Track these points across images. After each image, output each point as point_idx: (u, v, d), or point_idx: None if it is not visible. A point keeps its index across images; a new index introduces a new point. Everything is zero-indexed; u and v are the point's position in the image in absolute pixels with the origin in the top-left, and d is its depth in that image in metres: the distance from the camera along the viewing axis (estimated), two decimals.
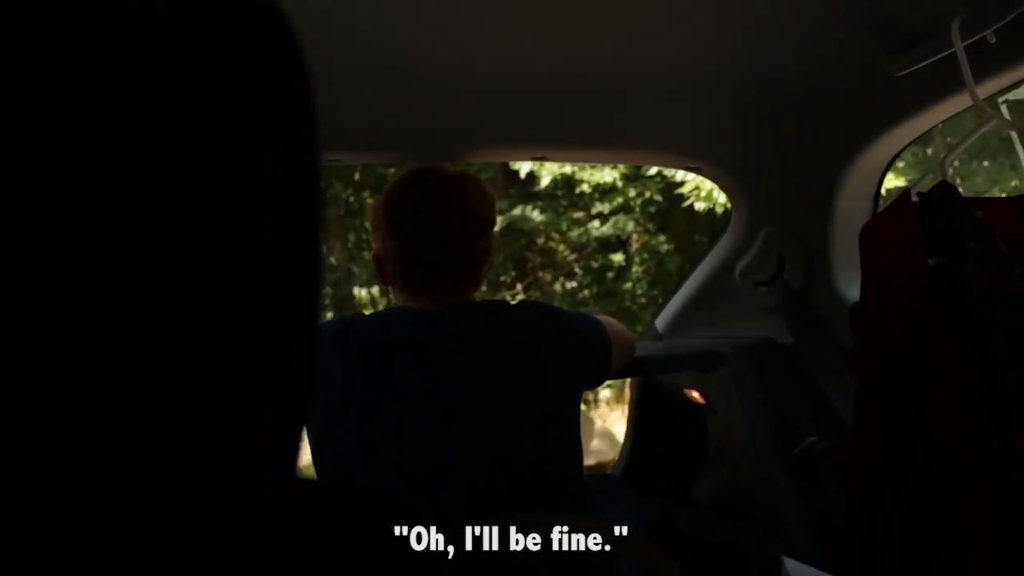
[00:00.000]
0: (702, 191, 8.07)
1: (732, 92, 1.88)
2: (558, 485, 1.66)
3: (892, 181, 7.18)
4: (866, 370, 1.29)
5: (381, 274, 1.83)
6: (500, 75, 1.63)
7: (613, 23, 1.43)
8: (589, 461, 8.44)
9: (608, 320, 1.96)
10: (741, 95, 1.90)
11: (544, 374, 1.68)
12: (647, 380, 2.70)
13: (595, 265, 12.11)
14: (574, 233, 11.18)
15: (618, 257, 12.11)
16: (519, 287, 12.29)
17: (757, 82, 1.83)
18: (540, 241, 12.26)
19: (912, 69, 1.52)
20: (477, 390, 1.63)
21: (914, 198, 1.29)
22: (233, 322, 0.39)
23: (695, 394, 2.54)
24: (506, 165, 10.49)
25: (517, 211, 10.63)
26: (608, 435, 8.69)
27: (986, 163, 8.17)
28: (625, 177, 10.11)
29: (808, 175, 2.07)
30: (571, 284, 12.55)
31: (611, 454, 8.52)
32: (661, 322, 2.67)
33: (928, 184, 1.31)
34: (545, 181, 9.92)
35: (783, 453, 2.15)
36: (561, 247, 12.31)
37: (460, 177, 1.80)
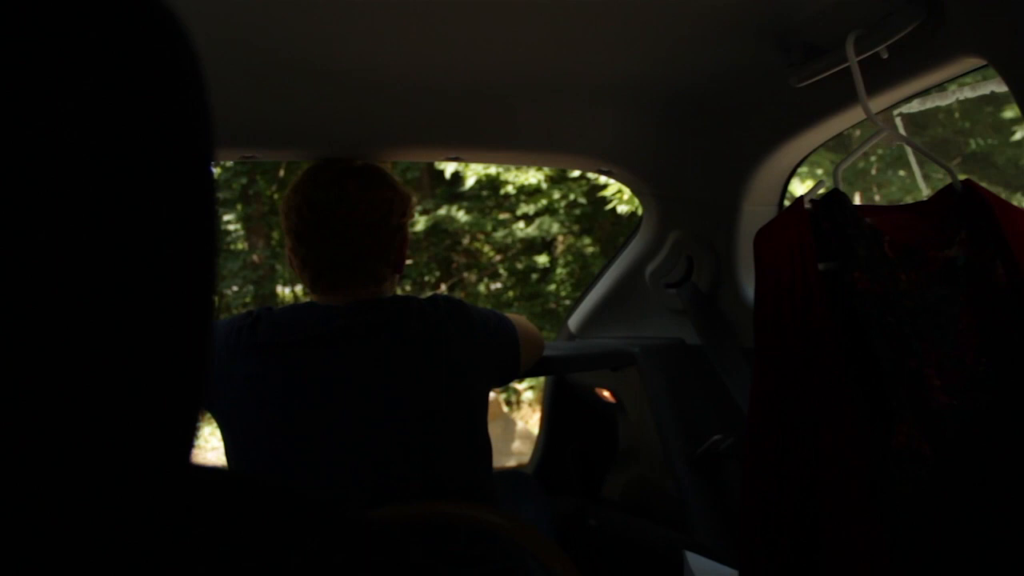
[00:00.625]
0: (624, 194, 8.13)
1: (644, 98, 1.91)
2: (466, 481, 1.67)
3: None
4: (760, 370, 1.34)
5: (295, 270, 1.83)
6: (414, 74, 1.63)
7: (528, 26, 1.44)
8: (511, 462, 8.48)
9: (518, 319, 1.97)
10: (653, 101, 1.93)
11: (451, 370, 1.69)
12: (559, 379, 2.72)
13: (519, 266, 12.12)
14: (499, 234, 11.18)
15: (542, 259, 12.14)
16: (443, 287, 12.27)
17: (668, 89, 1.86)
18: (465, 242, 12.24)
19: (811, 81, 1.56)
20: (383, 386, 1.64)
21: (807, 205, 1.34)
22: (121, 316, 0.39)
23: (606, 393, 2.56)
24: (431, 165, 10.42)
25: (442, 211, 10.55)
26: (530, 436, 8.72)
27: (901, 172, 8.40)
28: (550, 179, 10.11)
29: (715, 181, 2.11)
30: (495, 285, 12.56)
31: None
32: (573, 322, 2.70)
33: (821, 191, 1.36)
34: (470, 182, 9.90)
35: (689, 451, 2.19)
36: (486, 248, 12.30)
37: (364, 172, 1.80)
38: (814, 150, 1.97)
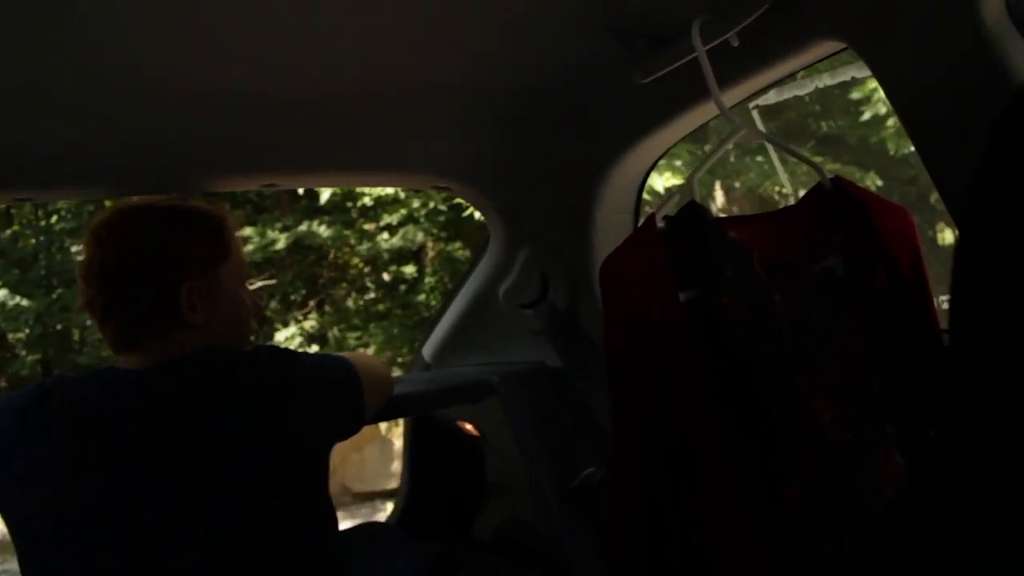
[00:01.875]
0: None
1: (479, 104, 1.76)
2: (308, 553, 1.48)
3: (671, 180, 7.26)
4: (620, 415, 1.15)
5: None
6: (214, 91, 1.46)
7: (340, 27, 1.28)
8: (392, 484, 8.29)
9: (359, 357, 1.77)
10: (489, 107, 1.78)
11: (283, 431, 1.48)
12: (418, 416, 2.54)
13: (387, 278, 12.05)
14: (364, 247, 11.08)
15: (410, 268, 12.14)
16: (311, 304, 12.11)
17: (505, 92, 1.71)
18: (331, 256, 12.08)
19: (657, 76, 1.42)
20: (193, 466, 1.41)
21: (660, 223, 1.15)
22: None
23: (468, 427, 2.40)
24: None
25: (303, 227, 10.42)
26: None
27: (759, 158, 8.45)
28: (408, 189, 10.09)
29: (563, 190, 1.97)
30: (367, 297, 12.45)
31: None
32: (428, 351, 2.54)
33: (675, 205, 1.17)
34: (325, 196, 9.71)
35: (560, 485, 2.04)
36: (354, 260, 12.17)
37: (161, 210, 1.59)
38: (669, 149, 1.84)
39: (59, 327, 12.47)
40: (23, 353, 13.00)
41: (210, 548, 1.39)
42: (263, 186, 1.95)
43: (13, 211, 15.33)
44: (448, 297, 2.50)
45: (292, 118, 1.65)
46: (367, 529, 2.18)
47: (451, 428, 2.46)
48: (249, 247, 9.64)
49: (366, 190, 9.97)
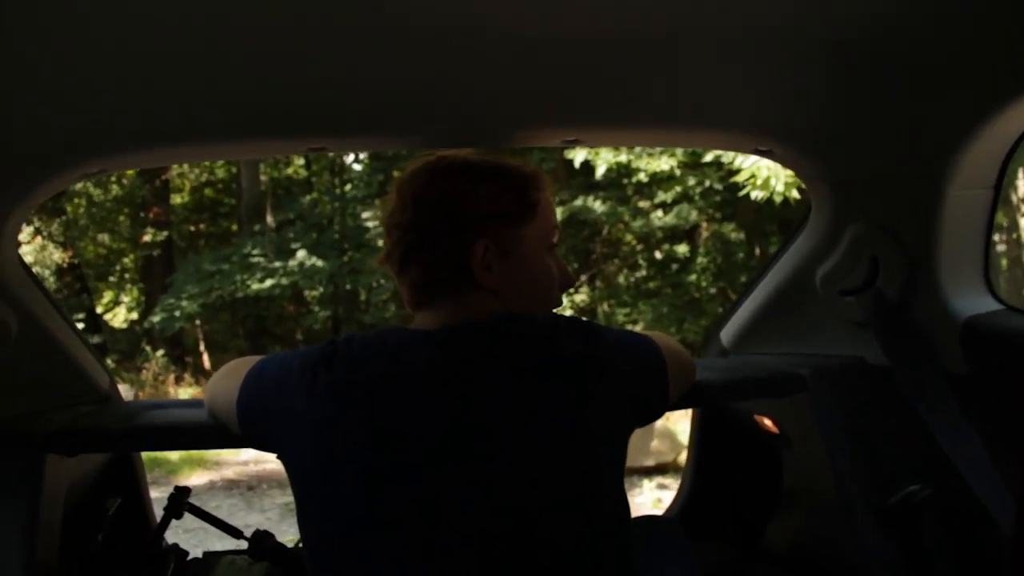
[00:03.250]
0: (758, 179, 7.66)
1: (810, 50, 1.54)
2: (604, 549, 1.38)
3: None
4: None
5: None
6: (513, 35, 1.35)
7: None
8: (649, 461, 8.22)
9: (662, 338, 1.65)
10: (824, 55, 1.56)
11: (584, 408, 1.39)
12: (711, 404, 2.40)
13: (659, 256, 12.06)
14: (637, 223, 11.09)
15: (682, 248, 12.08)
16: (583, 278, 12.33)
17: (845, 38, 1.49)
18: (604, 232, 12.21)
19: None
20: (486, 431, 1.35)
21: None
22: None
23: (767, 422, 2.22)
24: (561, 154, 10.50)
25: (578, 202, 10.56)
26: (669, 435, 8.52)
27: None
28: (683, 165, 9.98)
29: (910, 159, 1.73)
30: (636, 275, 12.53)
31: (671, 455, 8.30)
32: (727, 335, 2.37)
33: None
34: (601, 170, 9.77)
35: (875, 501, 1.84)
36: (627, 237, 12.26)
37: (461, 162, 1.55)
38: None
39: (348, 287, 13.37)
40: (316, 309, 14.02)
41: (487, 519, 1.31)
42: (565, 142, 1.84)
43: (313, 179, 16.46)
44: (755, 276, 2.31)
45: (600, 65, 1.52)
46: (645, 522, 2.08)
47: (747, 422, 2.29)
48: None
49: (641, 165, 9.96)
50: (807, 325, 2.14)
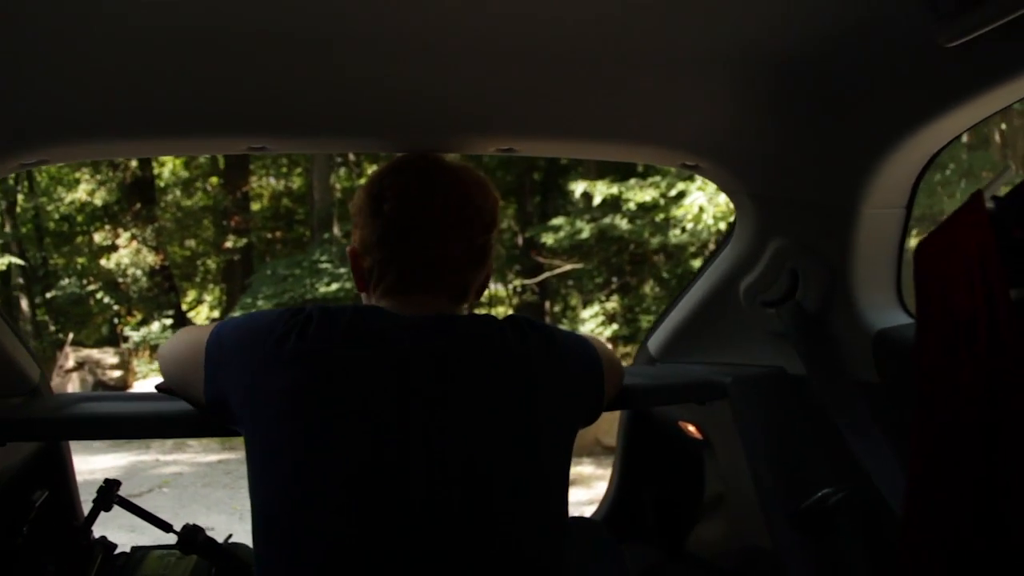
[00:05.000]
0: (689, 213, 8.81)
1: (744, 73, 1.58)
2: (544, 548, 1.42)
3: None
4: (921, 428, 0.97)
5: (356, 274, 1.62)
6: (449, 40, 1.37)
7: None
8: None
9: (596, 340, 1.70)
10: (754, 77, 1.60)
11: (541, 410, 1.44)
12: (638, 410, 2.42)
13: (679, 270, 12.94)
14: (656, 240, 11.95)
15: (698, 263, 12.71)
16: (612, 287, 13.81)
17: (767, 57, 1.52)
18: (631, 247, 13.37)
19: (967, 39, 1.20)
20: (461, 421, 1.38)
21: (988, 204, 0.95)
22: None
23: (691, 428, 2.26)
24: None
25: (607, 220, 11.74)
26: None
27: None
28: (663, 197, 11.06)
29: (829, 176, 1.77)
30: (660, 287, 13.70)
31: None
32: (654, 344, 2.39)
33: (1007, 183, 0.97)
34: (597, 199, 11.25)
35: (791, 503, 1.88)
36: (650, 251, 13.32)
37: (457, 166, 1.62)
38: (957, 136, 1.62)
39: None
40: None
41: (448, 522, 1.33)
42: (500, 151, 1.86)
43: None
44: (682, 288, 2.35)
45: (535, 76, 1.55)
46: (574, 522, 2.10)
47: (671, 428, 2.32)
48: (560, 234, 11.98)
49: (631, 196, 11.10)
50: (730, 335, 2.16)
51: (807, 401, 1.94)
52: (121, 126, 1.65)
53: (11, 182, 16.19)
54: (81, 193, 17.12)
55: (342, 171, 16.51)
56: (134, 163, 16.83)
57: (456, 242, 1.55)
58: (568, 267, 13.44)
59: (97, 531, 1.87)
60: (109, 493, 1.80)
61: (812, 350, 1.89)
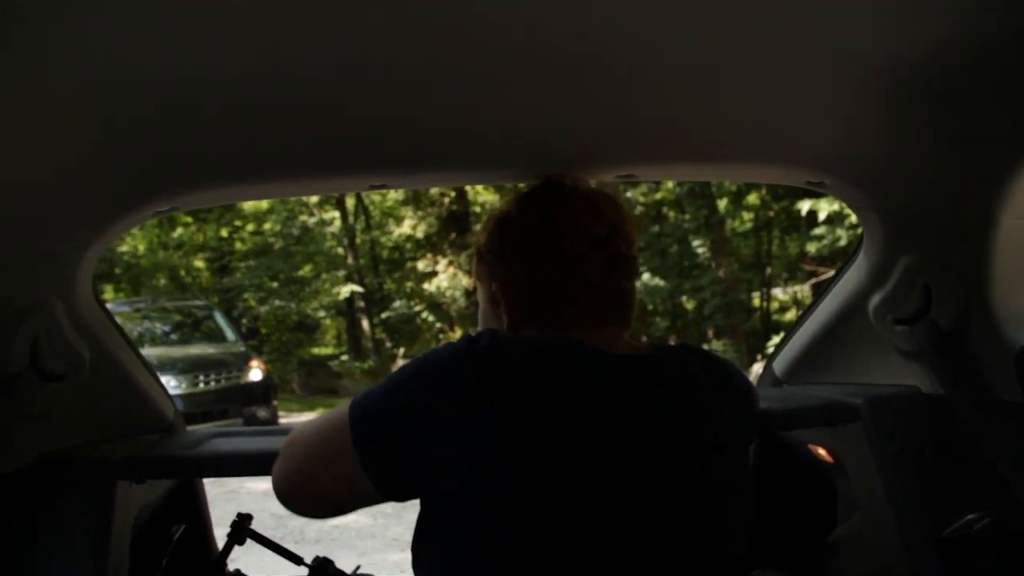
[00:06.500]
0: None
1: (868, 81, 1.51)
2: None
3: None
4: None
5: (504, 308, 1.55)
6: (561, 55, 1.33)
7: None
8: None
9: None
10: (879, 85, 1.53)
11: (727, 440, 1.47)
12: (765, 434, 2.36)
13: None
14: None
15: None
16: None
17: (894, 64, 1.45)
18: None
19: None
20: (671, 459, 1.38)
21: None
22: None
23: (822, 451, 2.20)
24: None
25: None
26: None
27: None
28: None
29: (964, 188, 1.71)
30: None
31: None
32: (780, 365, 2.34)
33: None
34: None
35: (932, 530, 1.80)
36: None
37: (602, 195, 1.59)
38: None
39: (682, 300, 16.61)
40: (657, 320, 16.82)
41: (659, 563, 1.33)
42: (620, 177, 1.84)
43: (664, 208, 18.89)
44: (808, 308, 2.29)
45: (653, 99, 1.52)
46: None
47: (801, 452, 2.27)
48: (823, 243, 12.90)
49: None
50: (860, 355, 2.11)
51: (945, 422, 1.87)
52: (250, 171, 1.70)
53: (351, 220, 20.59)
54: (406, 227, 19.90)
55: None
56: (447, 198, 19.45)
57: (632, 274, 1.53)
58: (831, 273, 14.83)
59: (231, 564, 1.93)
60: (242, 527, 1.85)
61: (949, 369, 1.83)
